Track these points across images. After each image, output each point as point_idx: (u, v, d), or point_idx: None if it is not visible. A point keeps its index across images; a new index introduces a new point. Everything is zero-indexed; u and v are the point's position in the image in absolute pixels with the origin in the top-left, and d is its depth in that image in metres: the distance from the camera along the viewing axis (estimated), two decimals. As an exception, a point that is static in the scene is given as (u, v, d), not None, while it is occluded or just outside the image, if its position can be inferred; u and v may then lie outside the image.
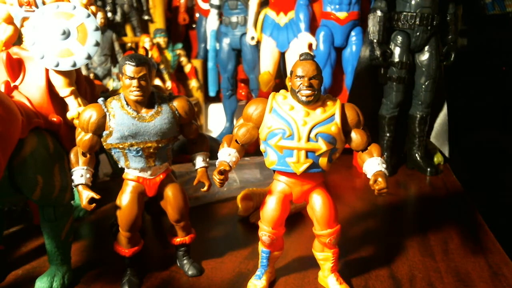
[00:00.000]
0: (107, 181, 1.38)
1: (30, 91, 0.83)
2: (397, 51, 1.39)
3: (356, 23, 1.52)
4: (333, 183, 1.38)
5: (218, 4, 1.88)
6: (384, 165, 0.71)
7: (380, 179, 0.68)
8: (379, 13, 1.35)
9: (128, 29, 2.09)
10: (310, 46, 1.54)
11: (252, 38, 1.74)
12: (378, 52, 1.37)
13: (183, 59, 2.06)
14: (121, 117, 0.72)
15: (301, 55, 0.69)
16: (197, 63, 2.12)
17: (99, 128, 0.72)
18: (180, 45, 2.07)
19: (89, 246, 0.98)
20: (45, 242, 0.81)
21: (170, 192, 0.80)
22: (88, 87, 1.02)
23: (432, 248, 0.96)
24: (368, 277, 0.84)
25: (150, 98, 0.75)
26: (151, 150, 0.75)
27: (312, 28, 1.56)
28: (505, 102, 2.14)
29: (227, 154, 0.71)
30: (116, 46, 1.90)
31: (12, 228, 1.06)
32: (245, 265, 0.89)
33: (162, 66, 1.95)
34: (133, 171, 0.78)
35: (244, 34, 1.78)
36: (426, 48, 1.40)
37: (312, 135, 0.68)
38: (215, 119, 2.20)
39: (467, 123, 2.07)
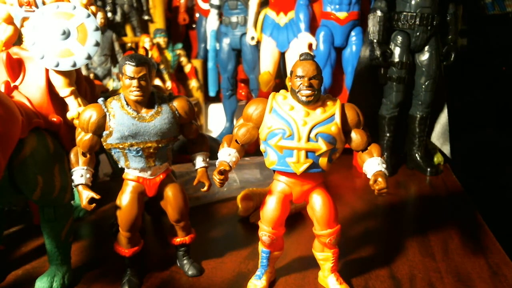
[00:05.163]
0: (107, 181, 1.38)
1: (30, 91, 0.83)
2: (397, 51, 1.39)
3: (356, 23, 1.52)
4: (333, 183, 1.38)
5: (218, 4, 1.88)
6: (384, 165, 0.71)
7: (380, 179, 0.68)
8: (379, 13, 1.35)
9: (128, 29, 2.09)
10: (310, 46, 1.54)
11: (252, 38, 1.74)
12: (378, 52, 1.37)
13: (183, 59, 2.06)
14: (121, 117, 0.72)
15: (301, 55, 0.69)
16: (197, 63, 2.12)
17: (99, 128, 0.72)
18: (180, 45, 2.07)
19: (89, 246, 0.98)
20: (45, 242, 0.81)
21: (170, 192, 0.80)
22: (88, 87, 1.02)
23: (432, 248, 0.96)
24: (368, 277, 0.84)
25: (150, 98, 0.75)
26: (151, 150, 0.75)
27: (312, 28, 1.56)
28: (505, 102, 2.14)
29: (227, 154, 0.71)
30: (116, 46, 1.90)
31: (12, 228, 1.06)
32: (245, 265, 0.89)
33: (162, 66, 1.95)
34: (133, 171, 0.78)
35: (244, 34, 1.78)
36: (426, 48, 1.40)
37: (312, 135, 0.68)
38: (215, 119, 2.20)
39: (467, 123, 2.07)
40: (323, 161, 0.70)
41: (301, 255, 0.92)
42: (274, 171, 0.75)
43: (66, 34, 0.82)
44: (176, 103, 0.77)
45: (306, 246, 0.89)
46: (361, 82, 1.45)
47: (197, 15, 2.15)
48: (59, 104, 0.87)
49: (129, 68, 0.70)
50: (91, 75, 1.82)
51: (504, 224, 1.26)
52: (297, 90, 0.68)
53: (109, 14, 1.97)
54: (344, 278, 0.81)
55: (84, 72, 1.78)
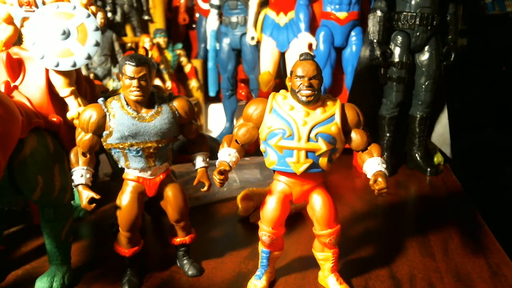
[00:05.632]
0: (107, 181, 1.38)
1: (30, 91, 0.83)
2: (397, 51, 1.39)
3: (356, 23, 1.52)
4: (333, 183, 1.38)
5: (218, 4, 1.88)
6: (384, 165, 0.71)
7: (380, 179, 0.68)
8: (379, 13, 1.35)
9: (128, 29, 2.09)
10: (310, 46, 1.54)
11: (252, 38, 1.74)
12: (378, 52, 1.37)
13: (183, 59, 2.06)
14: (121, 117, 0.72)
15: (301, 55, 0.69)
16: (197, 63, 2.12)
17: (99, 128, 0.72)
18: (180, 45, 2.07)
19: (89, 246, 0.99)
20: (45, 242, 0.81)
21: (170, 192, 0.80)
22: (88, 87, 1.02)
23: (432, 248, 0.96)
24: (368, 277, 0.84)
25: (150, 98, 0.75)
26: (151, 150, 0.75)
27: (312, 28, 1.56)
28: (505, 102, 2.14)
29: (227, 154, 0.71)
30: (116, 46, 1.90)
31: (12, 228, 1.06)
32: (245, 265, 0.89)
33: (162, 66, 1.95)
34: (133, 171, 0.78)
35: (244, 34, 1.78)
36: (426, 48, 1.40)
37: (312, 135, 0.68)
38: (215, 119, 2.20)
39: (467, 123, 2.07)
40: (323, 161, 0.70)
41: (301, 255, 0.92)
42: (274, 171, 0.75)
43: (66, 34, 0.82)
44: (176, 103, 0.77)
45: (306, 246, 0.88)
46: (361, 82, 1.45)
47: (197, 15, 2.15)
48: (59, 104, 0.87)
49: (129, 68, 0.70)
50: (91, 75, 1.82)
51: (504, 224, 1.26)
52: (297, 90, 0.68)
53: (109, 14, 1.97)
54: (344, 278, 0.81)
55: (84, 72, 1.78)
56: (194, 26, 2.22)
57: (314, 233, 0.77)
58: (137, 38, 2.02)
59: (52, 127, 0.83)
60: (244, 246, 0.96)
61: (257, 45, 1.77)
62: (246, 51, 1.80)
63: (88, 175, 0.74)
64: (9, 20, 0.88)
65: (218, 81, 2.03)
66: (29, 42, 0.82)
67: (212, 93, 2.06)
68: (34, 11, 0.87)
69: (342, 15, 1.49)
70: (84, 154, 0.74)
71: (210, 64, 2.02)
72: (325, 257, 0.79)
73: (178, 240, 0.85)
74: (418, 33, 1.37)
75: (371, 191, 0.70)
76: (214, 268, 0.88)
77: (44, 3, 0.87)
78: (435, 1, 1.33)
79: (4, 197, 0.77)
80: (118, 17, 2.00)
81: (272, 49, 1.71)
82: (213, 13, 1.93)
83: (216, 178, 0.69)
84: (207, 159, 0.84)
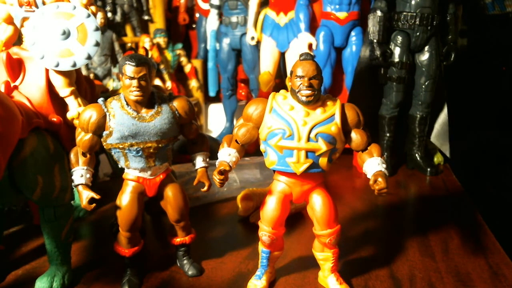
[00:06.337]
0: (107, 181, 1.38)
1: (30, 91, 0.83)
2: (397, 51, 1.39)
3: (356, 23, 1.52)
4: (333, 183, 1.38)
5: (218, 4, 1.88)
6: (384, 165, 0.71)
7: (380, 179, 0.68)
8: (379, 13, 1.35)
9: (128, 29, 2.09)
10: (310, 46, 1.54)
11: (252, 38, 1.74)
12: (378, 52, 1.37)
13: (183, 59, 2.06)
14: (121, 117, 0.72)
15: (301, 55, 0.69)
16: (197, 63, 2.13)
17: (99, 128, 0.72)
18: (180, 45, 2.07)
19: (89, 246, 0.99)
20: (45, 242, 0.81)
21: (170, 192, 0.80)
22: (88, 87, 1.02)
23: (432, 248, 0.96)
24: (368, 277, 0.84)
25: (150, 98, 0.75)
26: (151, 150, 0.75)
27: (312, 28, 1.56)
28: (505, 102, 2.14)
29: (227, 154, 0.71)
30: (116, 46, 1.90)
31: (12, 228, 1.06)
32: (245, 265, 0.89)
33: (162, 66, 1.95)
34: (133, 171, 0.78)
35: (244, 34, 1.79)
36: (426, 48, 1.40)
37: (312, 135, 0.68)
38: (215, 119, 2.20)
39: (467, 123, 2.06)
40: (323, 161, 0.70)
41: (301, 255, 0.92)
42: (274, 171, 0.75)
43: (66, 34, 0.82)
44: (176, 103, 0.77)
45: (306, 246, 0.88)
46: (361, 82, 1.45)
47: (197, 15, 2.16)
48: (59, 104, 0.87)
49: (129, 68, 0.70)
50: (91, 75, 1.82)
51: (504, 224, 1.26)
52: (297, 90, 0.68)
53: (109, 14, 1.97)
54: (344, 278, 0.81)
55: (84, 72, 1.78)
56: (194, 26, 2.22)
57: (314, 233, 0.77)
58: (137, 38, 2.02)
59: (52, 127, 0.83)
60: (244, 246, 0.96)
61: (257, 45, 1.77)
62: (246, 51, 1.80)
63: (88, 175, 0.74)
64: (9, 20, 0.88)
65: (218, 81, 2.03)
66: (29, 42, 0.82)
67: (212, 93, 2.06)
68: (34, 11, 0.87)
69: (342, 15, 1.49)
70: (84, 154, 0.74)
71: (210, 64, 2.02)
72: (325, 257, 0.79)
73: (178, 240, 0.85)
74: (418, 33, 1.37)
75: (371, 191, 0.70)
76: (214, 268, 0.88)
77: (44, 3, 0.87)
78: (435, 1, 1.33)
79: (4, 197, 0.77)
80: (118, 17, 2.00)
81: (272, 49, 1.71)
82: (213, 13, 1.94)
83: (216, 178, 0.69)
84: (207, 159, 0.84)
